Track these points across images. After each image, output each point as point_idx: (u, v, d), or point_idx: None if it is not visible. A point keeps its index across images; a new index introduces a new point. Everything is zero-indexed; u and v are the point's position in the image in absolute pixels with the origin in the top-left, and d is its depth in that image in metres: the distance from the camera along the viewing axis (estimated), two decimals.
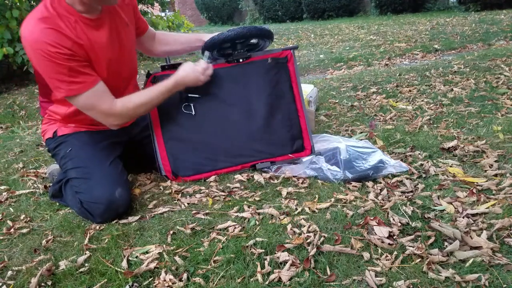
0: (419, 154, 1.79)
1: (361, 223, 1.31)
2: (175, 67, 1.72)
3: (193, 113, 1.74)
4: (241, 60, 1.78)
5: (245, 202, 1.52)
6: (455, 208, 1.35)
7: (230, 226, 1.36)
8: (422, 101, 2.57)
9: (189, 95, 1.72)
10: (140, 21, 1.72)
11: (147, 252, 1.26)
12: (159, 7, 7.05)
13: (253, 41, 1.83)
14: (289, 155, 1.76)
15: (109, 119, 1.53)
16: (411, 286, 1.03)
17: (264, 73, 1.80)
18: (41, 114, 1.69)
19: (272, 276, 1.10)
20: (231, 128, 1.76)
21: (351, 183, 1.59)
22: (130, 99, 1.54)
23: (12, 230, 1.48)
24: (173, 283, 1.11)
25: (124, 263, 1.21)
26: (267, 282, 1.09)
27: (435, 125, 2.14)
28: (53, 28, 1.33)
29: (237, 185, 1.65)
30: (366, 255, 1.15)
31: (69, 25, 1.37)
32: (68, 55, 1.35)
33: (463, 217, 1.29)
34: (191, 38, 1.88)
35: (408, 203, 1.41)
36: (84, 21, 1.41)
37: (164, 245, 1.29)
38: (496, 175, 1.55)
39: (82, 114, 1.55)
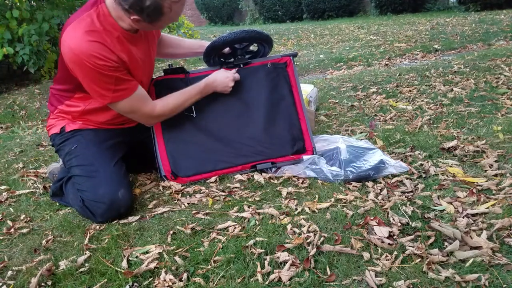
0: (419, 154, 1.79)
1: (361, 223, 1.31)
2: (176, 71, 1.79)
3: (194, 114, 1.75)
4: (241, 65, 1.82)
5: (245, 202, 1.52)
6: (455, 208, 1.35)
7: (230, 226, 1.36)
8: (422, 101, 2.57)
9: None
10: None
11: (147, 252, 1.26)
12: None
13: (252, 48, 1.87)
14: (290, 156, 1.76)
15: (148, 120, 1.65)
16: (411, 286, 1.03)
17: (263, 77, 1.84)
18: (49, 109, 1.70)
19: (272, 276, 1.10)
20: (231, 129, 1.77)
21: (351, 183, 1.59)
22: (168, 101, 1.64)
23: (12, 230, 1.48)
24: (173, 283, 1.12)
25: (124, 263, 1.21)
26: (267, 282, 1.09)
27: (435, 125, 2.14)
28: (100, 42, 1.38)
29: (237, 185, 1.66)
30: (366, 255, 1.15)
31: (113, 40, 1.43)
32: (115, 67, 1.42)
33: (463, 217, 1.29)
34: (194, 44, 1.92)
35: (408, 203, 1.41)
36: (126, 36, 1.47)
37: (164, 245, 1.29)
38: (496, 175, 1.55)
39: (97, 113, 1.60)
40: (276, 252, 1.20)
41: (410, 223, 1.28)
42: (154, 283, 1.13)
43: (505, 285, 1.01)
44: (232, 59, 1.85)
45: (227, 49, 1.82)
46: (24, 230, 1.46)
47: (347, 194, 1.49)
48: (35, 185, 1.86)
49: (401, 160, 1.73)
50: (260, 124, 1.78)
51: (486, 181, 1.51)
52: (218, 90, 1.74)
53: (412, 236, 1.22)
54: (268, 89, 1.82)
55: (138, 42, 1.54)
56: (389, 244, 1.19)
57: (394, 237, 1.23)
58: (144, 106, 1.57)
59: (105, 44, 1.39)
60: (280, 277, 1.10)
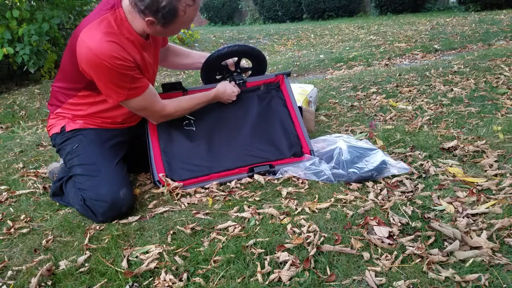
0: (419, 154, 1.79)
1: (361, 223, 1.31)
2: (175, 87, 1.83)
3: (194, 128, 1.80)
4: (236, 81, 1.89)
5: (245, 202, 1.52)
6: (455, 208, 1.35)
7: (230, 226, 1.36)
8: (422, 101, 2.57)
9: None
10: (165, 37, 1.83)
11: (147, 252, 1.26)
12: None
13: (245, 63, 1.96)
14: (288, 158, 1.75)
15: (158, 118, 1.70)
16: (411, 286, 1.03)
17: (258, 96, 1.92)
18: (49, 109, 1.70)
19: (272, 276, 1.10)
20: (227, 136, 1.80)
21: (351, 183, 1.58)
22: (179, 103, 1.72)
23: (12, 230, 1.48)
24: (173, 283, 1.12)
25: (124, 263, 1.21)
26: (267, 282, 1.09)
27: (435, 125, 2.14)
28: (118, 43, 1.43)
29: (237, 185, 1.65)
30: (366, 255, 1.15)
31: (129, 43, 1.48)
32: (131, 67, 1.47)
33: (463, 217, 1.29)
34: (203, 56, 1.95)
35: (408, 203, 1.41)
36: (139, 42, 1.53)
37: (164, 245, 1.29)
38: (496, 175, 1.55)
39: (102, 113, 1.62)
40: (276, 252, 1.20)
41: (410, 223, 1.28)
42: (154, 283, 1.13)
43: (505, 285, 1.01)
44: (228, 78, 1.91)
45: (230, 61, 1.89)
46: (24, 230, 1.46)
47: (347, 194, 1.49)
48: (35, 185, 1.86)
49: (401, 160, 1.73)
50: (256, 131, 1.82)
51: (486, 181, 1.51)
52: (223, 101, 1.84)
53: (412, 236, 1.22)
54: (262, 106, 1.89)
55: (149, 48, 1.60)
56: (389, 244, 1.19)
57: (394, 237, 1.23)
58: (155, 104, 1.63)
59: (121, 45, 1.44)
60: (280, 277, 1.10)
